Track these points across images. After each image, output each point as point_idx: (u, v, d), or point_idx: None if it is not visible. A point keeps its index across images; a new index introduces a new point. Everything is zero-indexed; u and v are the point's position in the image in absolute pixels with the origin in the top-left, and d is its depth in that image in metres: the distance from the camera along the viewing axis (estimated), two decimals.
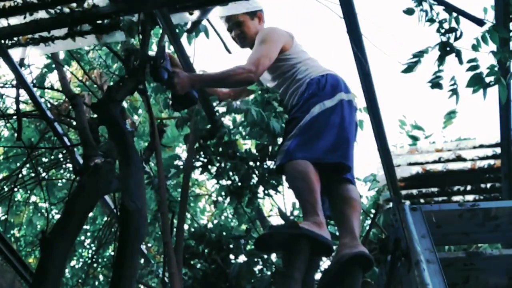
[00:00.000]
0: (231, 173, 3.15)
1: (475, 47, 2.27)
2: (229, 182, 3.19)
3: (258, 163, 3.10)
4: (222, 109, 3.07)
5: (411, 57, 2.32)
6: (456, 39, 2.28)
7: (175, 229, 2.73)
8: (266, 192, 3.18)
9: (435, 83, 2.32)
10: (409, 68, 2.32)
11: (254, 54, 2.76)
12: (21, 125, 3.14)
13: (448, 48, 2.27)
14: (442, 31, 2.27)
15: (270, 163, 3.12)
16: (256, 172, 3.12)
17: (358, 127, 3.06)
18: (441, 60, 2.29)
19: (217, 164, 3.13)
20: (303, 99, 2.79)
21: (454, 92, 2.35)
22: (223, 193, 3.27)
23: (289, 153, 2.62)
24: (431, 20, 2.27)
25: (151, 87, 3.24)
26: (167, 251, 2.39)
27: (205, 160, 3.12)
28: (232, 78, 2.68)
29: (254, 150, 3.15)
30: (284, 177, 3.01)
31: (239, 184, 3.15)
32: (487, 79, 2.30)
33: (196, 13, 2.44)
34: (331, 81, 2.81)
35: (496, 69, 2.33)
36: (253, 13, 2.96)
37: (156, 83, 2.94)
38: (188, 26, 3.02)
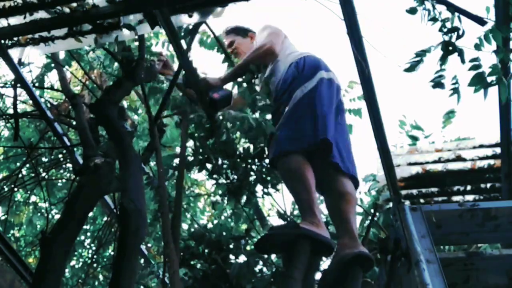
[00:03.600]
0: (229, 172, 3.15)
1: (477, 47, 2.26)
2: (227, 181, 3.19)
3: (256, 161, 3.10)
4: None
5: (414, 56, 2.32)
6: (458, 37, 2.27)
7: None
8: (264, 191, 3.18)
9: (437, 83, 2.32)
10: (411, 67, 2.32)
11: (262, 37, 3.11)
12: (18, 125, 3.15)
13: (450, 48, 2.27)
14: (445, 30, 2.27)
15: (267, 161, 3.13)
16: (254, 170, 3.12)
17: (353, 114, 3.25)
18: (443, 59, 2.28)
19: (214, 162, 3.13)
20: (285, 85, 2.85)
21: (456, 91, 2.35)
22: (220, 192, 3.28)
23: (279, 146, 2.63)
24: (434, 19, 2.26)
25: (148, 87, 3.25)
26: (167, 251, 2.39)
27: (201, 158, 3.12)
28: (254, 57, 3.01)
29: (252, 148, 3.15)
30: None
31: (237, 182, 3.15)
32: (489, 79, 2.29)
33: (196, 16, 2.43)
34: (309, 62, 2.89)
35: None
36: (245, 33, 3.39)
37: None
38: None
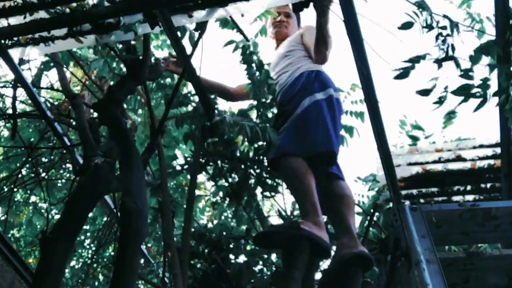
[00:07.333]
0: (228, 174, 3.15)
1: (473, 60, 2.26)
2: (227, 183, 3.18)
3: (255, 165, 3.09)
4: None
5: (406, 61, 2.32)
6: (453, 50, 2.27)
7: (175, 229, 2.73)
8: (264, 193, 3.17)
9: (425, 91, 2.34)
10: (402, 75, 2.31)
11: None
12: (16, 125, 3.17)
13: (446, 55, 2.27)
14: (442, 41, 2.27)
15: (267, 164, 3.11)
16: (254, 173, 3.11)
17: (355, 116, 3.37)
18: (438, 64, 2.28)
19: (214, 165, 3.13)
20: (292, 91, 2.85)
21: (441, 102, 2.36)
22: (221, 194, 3.27)
23: (282, 147, 2.65)
24: (429, 27, 2.25)
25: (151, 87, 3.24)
26: (172, 252, 2.38)
27: (203, 161, 3.11)
28: (328, 41, 2.89)
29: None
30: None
31: (237, 185, 3.15)
32: (475, 90, 2.30)
33: (196, 16, 2.42)
34: (320, 77, 2.89)
35: (489, 82, 2.32)
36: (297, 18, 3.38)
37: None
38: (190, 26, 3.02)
